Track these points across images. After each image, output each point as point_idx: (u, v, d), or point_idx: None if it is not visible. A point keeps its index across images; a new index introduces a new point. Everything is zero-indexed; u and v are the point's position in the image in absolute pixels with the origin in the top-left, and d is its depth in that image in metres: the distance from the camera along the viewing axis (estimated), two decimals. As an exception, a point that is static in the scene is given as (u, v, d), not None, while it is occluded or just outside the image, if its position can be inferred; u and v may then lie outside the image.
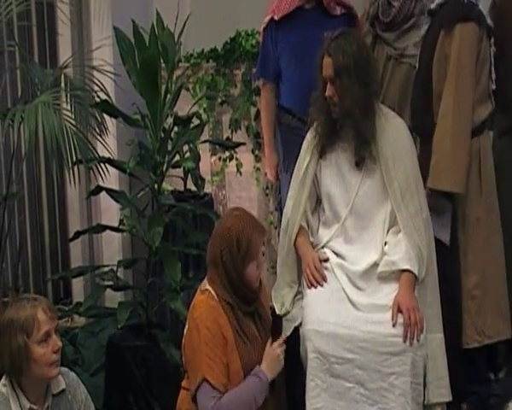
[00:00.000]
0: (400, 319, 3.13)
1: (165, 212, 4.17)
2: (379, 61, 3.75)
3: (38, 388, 2.72)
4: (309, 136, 3.47)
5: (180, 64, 4.66)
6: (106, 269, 4.23)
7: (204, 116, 4.83)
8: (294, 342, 3.22)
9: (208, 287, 3.00)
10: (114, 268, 4.11)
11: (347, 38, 3.29)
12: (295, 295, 3.43)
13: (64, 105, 4.18)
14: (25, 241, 4.97)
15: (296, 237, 3.43)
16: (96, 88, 4.28)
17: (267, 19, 4.16)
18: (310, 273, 3.32)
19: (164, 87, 3.97)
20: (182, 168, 4.54)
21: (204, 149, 4.83)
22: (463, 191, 3.48)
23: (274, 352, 3.00)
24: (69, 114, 4.08)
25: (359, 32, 3.81)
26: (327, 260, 3.35)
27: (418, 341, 3.12)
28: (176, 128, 4.21)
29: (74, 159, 3.86)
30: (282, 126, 4.27)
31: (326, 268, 3.33)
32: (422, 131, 3.62)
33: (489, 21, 3.52)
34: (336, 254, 3.36)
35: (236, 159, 5.00)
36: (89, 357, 4.47)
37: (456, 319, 3.54)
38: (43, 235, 5.06)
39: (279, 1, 4.12)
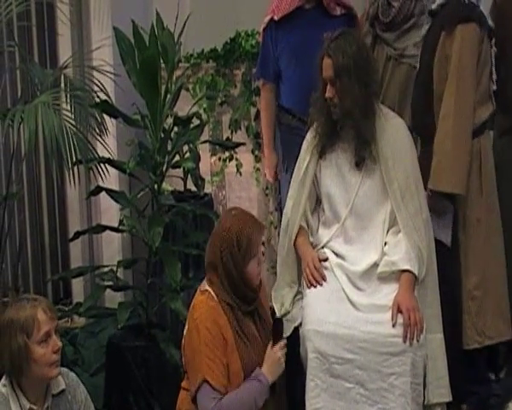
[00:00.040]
0: (400, 320, 3.13)
1: (165, 212, 4.17)
2: (379, 62, 3.75)
3: (38, 388, 2.72)
4: (309, 136, 3.47)
5: (180, 64, 4.66)
6: (106, 269, 4.23)
7: (204, 116, 4.83)
8: (294, 343, 3.22)
9: (208, 288, 3.00)
10: (114, 268, 4.11)
11: (347, 39, 3.29)
12: (295, 296, 3.43)
13: (64, 105, 4.18)
14: (25, 241, 4.97)
15: (296, 237, 3.43)
16: (95, 88, 4.28)
17: (267, 19, 4.16)
18: (309, 273, 3.32)
19: (164, 87, 3.97)
20: (182, 168, 4.54)
21: (204, 150, 4.83)
22: (464, 193, 3.48)
23: (275, 355, 3.00)
24: (69, 114, 4.08)
25: (359, 32, 3.81)
26: (326, 259, 3.35)
27: (418, 341, 3.12)
28: (176, 128, 4.21)
29: (74, 159, 3.86)
30: (281, 126, 4.27)
31: (326, 268, 3.33)
32: (423, 131, 3.63)
33: (490, 22, 3.52)
34: (336, 254, 3.36)
35: (236, 159, 5.01)
36: (89, 357, 4.47)
37: (457, 319, 3.54)
38: (43, 235, 5.06)
39: (279, 1, 4.12)
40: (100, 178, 4.16)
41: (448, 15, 3.50)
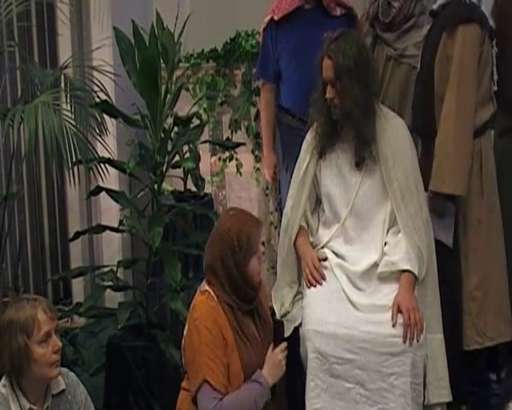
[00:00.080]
0: (400, 320, 3.13)
1: (165, 212, 4.17)
2: (379, 62, 3.74)
3: (38, 388, 2.72)
4: (308, 137, 3.47)
5: (180, 64, 4.66)
6: (106, 269, 4.23)
7: (204, 116, 4.83)
8: (294, 343, 3.22)
9: (208, 288, 3.00)
10: (114, 268, 4.11)
11: (347, 40, 3.29)
12: (295, 296, 3.44)
13: (64, 105, 4.18)
14: (25, 241, 4.97)
15: (296, 237, 3.43)
16: (95, 88, 4.28)
17: (267, 19, 4.15)
18: (309, 273, 3.33)
19: (164, 87, 3.97)
20: (182, 168, 4.54)
21: (204, 150, 4.83)
22: (466, 194, 3.47)
23: (276, 357, 3.00)
24: (69, 114, 4.08)
25: (359, 32, 3.81)
26: (325, 259, 3.35)
27: (418, 341, 3.12)
28: (176, 128, 4.20)
29: (74, 159, 3.86)
30: (281, 126, 4.27)
31: (325, 268, 3.34)
32: (423, 131, 3.62)
33: (491, 23, 3.51)
34: (336, 254, 3.36)
35: (236, 159, 5.01)
36: (89, 357, 4.47)
37: (457, 319, 3.54)
38: (43, 235, 5.06)
39: (279, 1, 4.11)
40: (100, 178, 4.16)
41: (449, 16, 3.49)
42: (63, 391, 2.78)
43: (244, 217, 3.02)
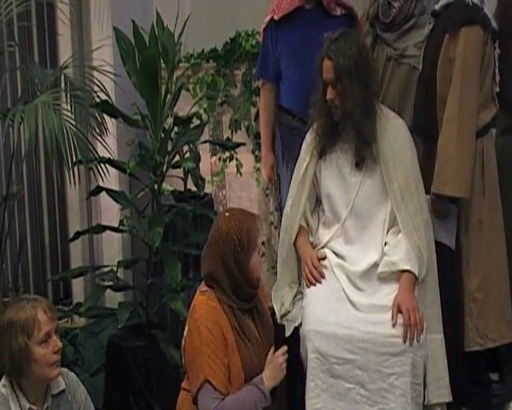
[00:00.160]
0: (400, 320, 3.13)
1: (165, 212, 4.17)
2: (379, 62, 3.74)
3: (38, 388, 2.72)
4: (308, 137, 3.47)
5: (180, 64, 4.66)
6: (106, 269, 4.23)
7: (204, 116, 4.83)
8: (294, 343, 3.22)
9: (208, 288, 3.00)
10: (114, 268, 4.11)
11: (347, 40, 3.28)
12: (295, 296, 3.43)
13: (64, 105, 4.18)
14: (25, 241, 4.97)
15: (296, 237, 3.43)
16: (96, 88, 4.28)
17: (267, 19, 4.15)
18: (308, 272, 3.33)
19: (164, 87, 3.97)
20: (182, 168, 4.54)
21: (204, 150, 4.83)
22: (468, 196, 3.46)
23: (276, 360, 3.00)
24: (69, 114, 4.08)
25: (359, 32, 3.80)
26: (324, 258, 3.35)
27: (418, 341, 3.12)
28: (176, 128, 4.20)
29: (74, 159, 3.86)
30: (281, 126, 4.27)
31: (325, 268, 3.34)
32: (424, 132, 3.61)
33: (493, 24, 3.51)
34: (336, 254, 3.36)
35: (236, 159, 5.01)
36: (89, 357, 4.47)
37: (457, 320, 3.54)
38: (43, 235, 5.06)
39: (279, 1, 4.11)
40: (100, 178, 4.16)
41: (452, 17, 3.48)
42: (63, 391, 2.78)
43: (241, 215, 3.01)
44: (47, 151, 3.81)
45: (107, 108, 4.07)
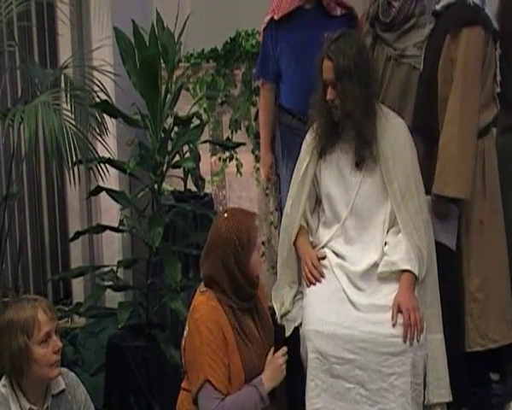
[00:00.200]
0: (400, 320, 3.13)
1: (165, 212, 4.17)
2: (379, 62, 3.74)
3: (38, 388, 2.72)
4: (308, 137, 3.47)
5: (180, 64, 4.66)
6: (106, 269, 4.23)
7: (204, 116, 4.83)
8: (294, 343, 3.22)
9: (207, 289, 3.01)
10: (114, 268, 4.11)
11: (347, 40, 3.28)
12: (295, 295, 3.44)
13: (64, 105, 4.18)
14: (25, 241, 4.97)
15: (296, 237, 3.43)
16: (96, 88, 4.28)
17: (267, 19, 4.15)
18: (308, 271, 3.33)
19: (164, 87, 3.97)
20: (182, 168, 4.54)
21: (204, 150, 4.83)
22: (469, 197, 3.46)
23: (276, 361, 3.00)
24: (69, 114, 4.08)
25: (359, 32, 3.80)
26: (324, 257, 3.35)
27: (418, 341, 3.12)
28: (176, 128, 4.20)
29: (74, 159, 3.86)
30: (281, 126, 4.27)
31: (326, 268, 3.34)
32: (425, 132, 3.61)
33: (495, 25, 3.50)
34: (336, 254, 3.36)
35: (236, 159, 5.01)
36: (89, 357, 4.47)
37: (458, 320, 3.53)
38: (43, 235, 5.06)
39: (279, 1, 4.11)
40: (100, 178, 4.16)
41: (453, 18, 3.48)
42: (63, 391, 2.78)
43: (240, 215, 3.01)
44: (47, 151, 3.81)
45: (107, 107, 4.07)
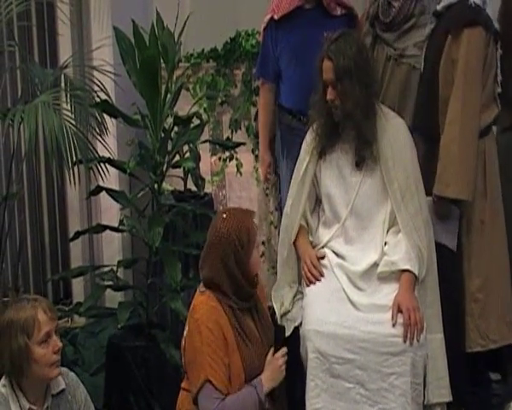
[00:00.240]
0: (400, 319, 3.13)
1: (165, 212, 4.17)
2: (379, 62, 3.74)
3: (38, 388, 2.72)
4: (308, 137, 3.47)
5: (180, 64, 4.66)
6: (106, 269, 4.23)
7: (204, 116, 4.83)
8: (294, 343, 3.22)
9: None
10: (114, 268, 4.11)
11: (347, 40, 3.28)
12: (295, 295, 3.43)
13: (64, 105, 4.18)
14: (25, 241, 4.97)
15: (296, 237, 3.43)
16: (96, 88, 4.28)
17: (267, 18, 4.15)
18: (307, 270, 3.33)
19: (164, 87, 3.97)
20: (182, 168, 4.54)
21: (204, 149, 4.83)
22: (471, 198, 3.45)
23: (276, 362, 3.00)
24: (69, 114, 4.08)
25: (359, 32, 3.80)
26: (323, 257, 3.35)
27: (418, 341, 3.12)
28: (176, 128, 4.20)
29: (74, 159, 3.86)
30: (281, 126, 4.26)
31: (325, 267, 3.34)
32: (426, 132, 3.61)
33: (496, 25, 3.50)
34: (336, 254, 3.36)
35: (236, 159, 5.01)
36: (89, 357, 4.47)
37: (458, 320, 3.53)
38: (43, 235, 5.06)
39: (279, 0, 4.11)
40: (100, 178, 4.16)
41: (454, 18, 3.48)
42: (63, 391, 2.78)
43: (239, 215, 3.01)
44: (47, 151, 3.81)
45: (107, 107, 4.07)
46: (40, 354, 2.65)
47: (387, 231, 3.32)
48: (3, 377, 2.71)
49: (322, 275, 3.31)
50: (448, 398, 3.29)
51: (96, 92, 4.26)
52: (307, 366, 3.16)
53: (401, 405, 3.11)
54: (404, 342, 3.10)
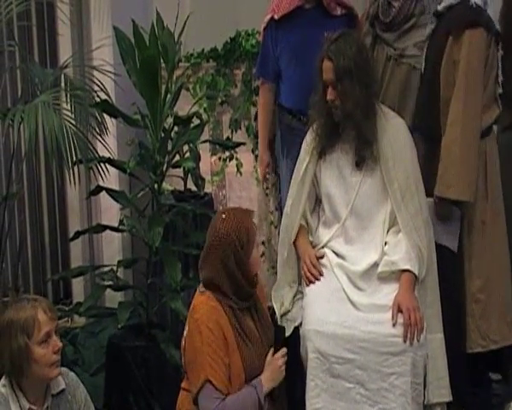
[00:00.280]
0: (400, 319, 3.13)
1: (165, 212, 4.17)
2: (379, 62, 3.74)
3: (38, 388, 2.72)
4: (308, 137, 3.47)
5: (180, 64, 4.66)
6: (106, 269, 4.23)
7: (204, 116, 4.83)
8: (294, 343, 3.22)
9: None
10: (114, 268, 4.11)
11: (347, 40, 3.28)
12: (295, 295, 3.43)
13: (64, 105, 4.18)
14: (25, 241, 4.97)
15: (296, 237, 3.43)
16: (96, 88, 4.28)
17: (267, 18, 4.15)
18: (307, 270, 3.34)
19: (164, 87, 3.97)
20: (182, 168, 4.54)
21: (204, 149, 4.83)
22: (472, 199, 3.45)
23: (276, 362, 3.00)
24: (69, 113, 4.08)
25: (359, 32, 3.80)
26: (323, 256, 3.36)
27: (418, 341, 3.12)
28: (176, 128, 4.20)
29: (74, 159, 3.86)
30: (281, 126, 4.26)
31: (325, 267, 3.34)
32: (426, 132, 3.60)
33: (497, 26, 3.50)
34: (336, 254, 3.36)
35: (236, 159, 5.01)
36: (89, 357, 4.47)
37: (458, 320, 3.53)
38: (43, 235, 5.06)
39: (279, 0, 4.11)
40: (100, 178, 4.16)
41: (455, 19, 3.47)
42: (63, 391, 2.78)
43: (238, 215, 3.01)
44: (47, 151, 3.81)
45: (107, 107, 4.07)
46: (40, 354, 2.65)
47: (387, 231, 3.32)
48: (3, 377, 2.71)
49: (321, 275, 3.31)
50: (448, 398, 3.29)
51: (95, 92, 4.26)
52: (307, 366, 3.16)
53: (401, 405, 3.11)
54: (405, 342, 3.10)
